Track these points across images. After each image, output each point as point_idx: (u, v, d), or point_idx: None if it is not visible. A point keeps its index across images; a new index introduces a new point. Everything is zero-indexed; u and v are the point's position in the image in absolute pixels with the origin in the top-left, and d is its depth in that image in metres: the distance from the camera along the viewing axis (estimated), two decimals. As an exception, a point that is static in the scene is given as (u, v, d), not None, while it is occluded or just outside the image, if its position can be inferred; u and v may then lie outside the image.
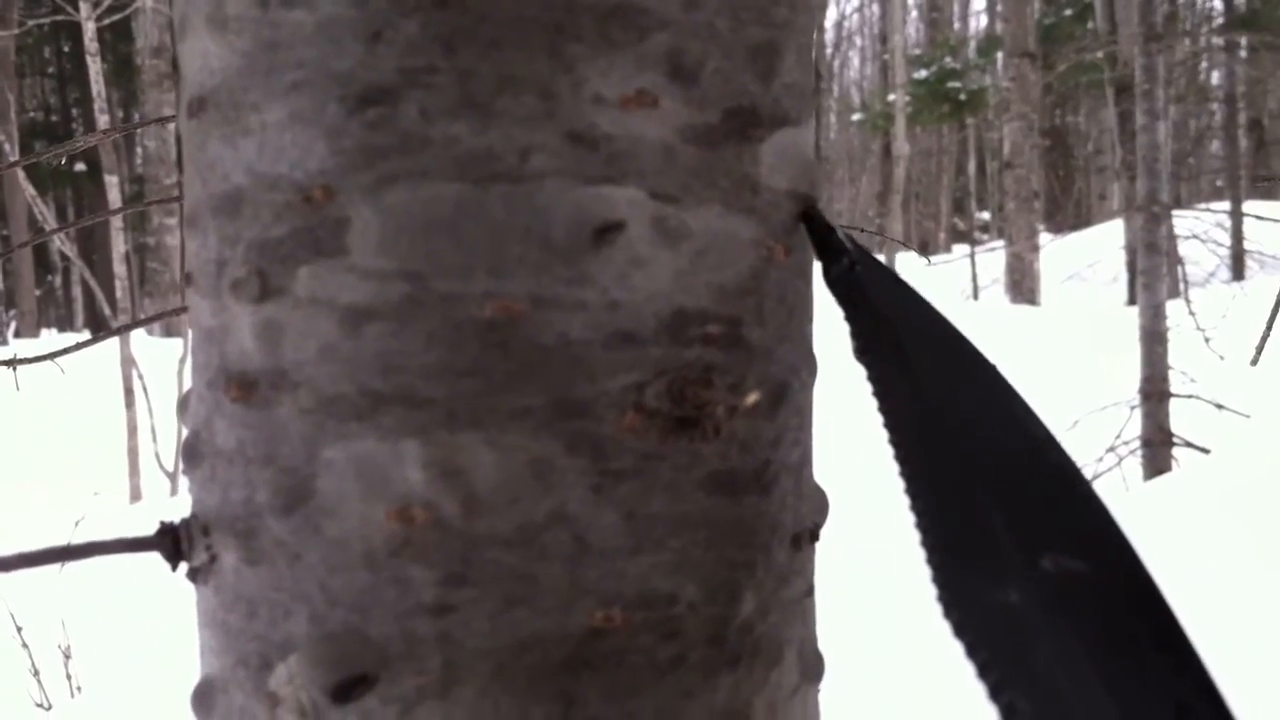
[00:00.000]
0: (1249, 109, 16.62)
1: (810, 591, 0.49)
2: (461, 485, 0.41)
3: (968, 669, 0.35)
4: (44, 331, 19.02)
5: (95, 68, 6.87)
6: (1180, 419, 4.25)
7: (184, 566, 0.48)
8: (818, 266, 0.48)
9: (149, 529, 0.48)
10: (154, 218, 12.97)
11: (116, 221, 7.53)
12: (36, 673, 3.19)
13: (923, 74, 15.32)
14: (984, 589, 0.36)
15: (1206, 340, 4.86)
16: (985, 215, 23.10)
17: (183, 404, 0.49)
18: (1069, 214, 23.44)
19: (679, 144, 0.42)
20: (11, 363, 1.26)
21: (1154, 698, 0.32)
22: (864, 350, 0.45)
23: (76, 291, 25.13)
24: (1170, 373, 4.21)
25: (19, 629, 3.24)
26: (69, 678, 3.23)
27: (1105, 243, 14.13)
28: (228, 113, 0.43)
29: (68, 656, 3.24)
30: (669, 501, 0.43)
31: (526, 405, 0.41)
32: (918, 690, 2.12)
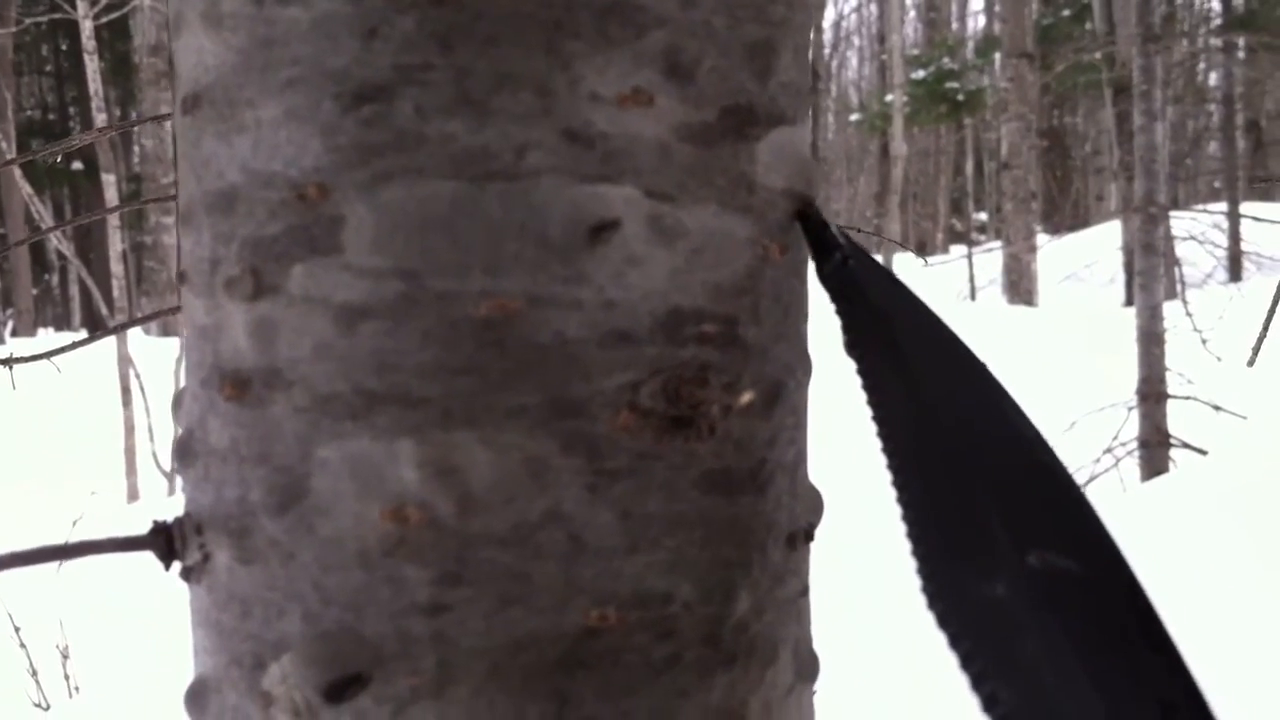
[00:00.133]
0: (1247, 110, 16.64)
1: (805, 591, 0.49)
2: (456, 484, 0.41)
3: (959, 667, 0.35)
4: (41, 330, 19.02)
5: (93, 66, 6.87)
6: (1177, 420, 4.25)
7: (178, 566, 0.48)
8: (813, 267, 0.48)
9: (145, 529, 0.48)
10: (151, 216, 12.96)
11: (114, 220, 7.53)
12: (34, 673, 3.18)
13: (920, 74, 15.33)
14: (970, 582, 0.36)
15: (1204, 341, 4.86)
16: (983, 216, 23.13)
17: (176, 402, 0.48)
18: (1066, 215, 23.45)
19: (675, 142, 0.42)
20: (8, 362, 1.26)
21: (1141, 696, 0.32)
22: (855, 344, 0.45)
23: (74, 290, 25.12)
24: (1167, 374, 4.21)
25: (17, 629, 3.24)
26: (67, 678, 3.23)
27: (1103, 244, 14.14)
28: (223, 110, 0.43)
29: (66, 656, 3.24)
30: (664, 501, 0.42)
31: (522, 404, 0.41)
32: (912, 690, 2.12)
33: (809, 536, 0.49)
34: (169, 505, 5.82)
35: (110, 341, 7.00)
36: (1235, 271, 12.35)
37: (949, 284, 13.92)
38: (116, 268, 7.20)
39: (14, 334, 16.88)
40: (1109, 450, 4.35)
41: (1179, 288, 5.98)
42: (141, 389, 6.85)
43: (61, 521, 4.44)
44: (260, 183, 0.42)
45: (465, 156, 0.40)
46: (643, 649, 0.42)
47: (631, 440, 0.42)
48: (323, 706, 0.42)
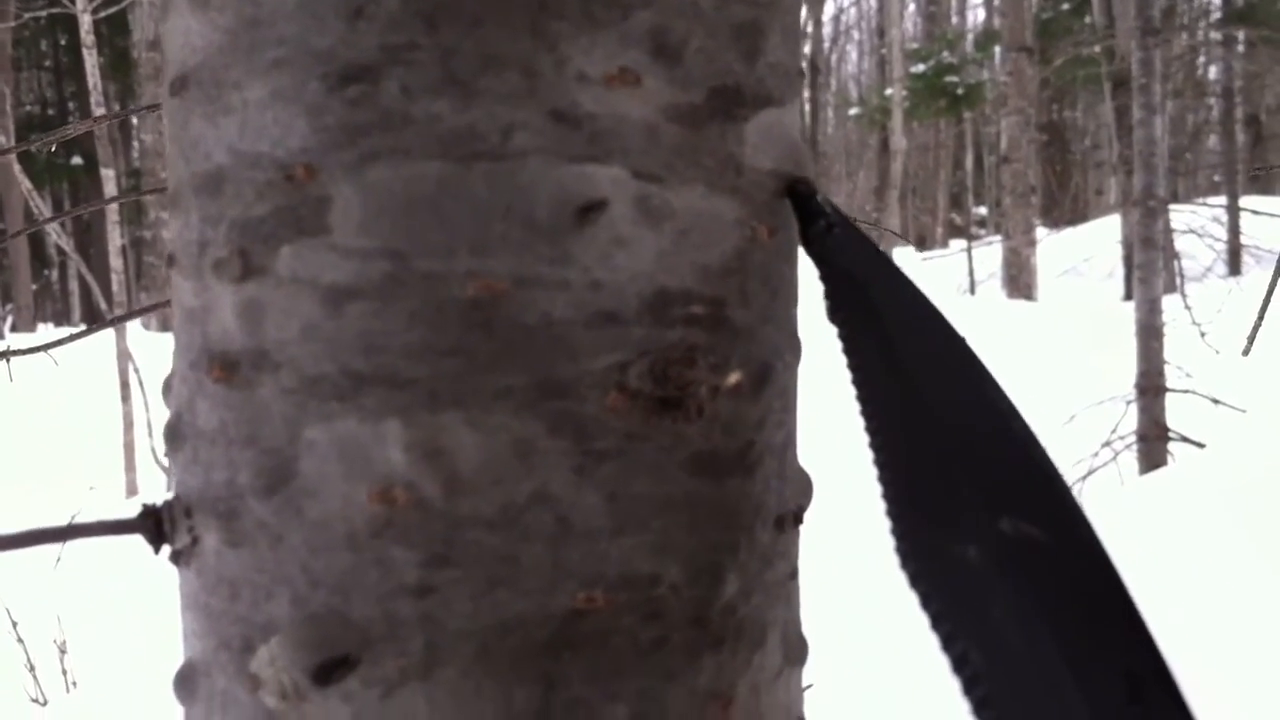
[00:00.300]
0: (1246, 104, 16.62)
1: (794, 574, 0.49)
2: (443, 466, 0.41)
3: (930, 628, 0.36)
4: (40, 326, 19.02)
5: (92, 61, 6.86)
6: (1176, 414, 4.25)
7: (167, 550, 0.48)
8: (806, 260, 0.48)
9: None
10: (150, 211, 12.96)
11: (113, 215, 7.52)
12: (32, 668, 3.19)
13: (920, 68, 15.31)
14: (943, 543, 0.37)
15: (1202, 335, 4.86)
16: (982, 210, 23.11)
17: (166, 386, 0.48)
18: (1066, 209, 23.45)
19: (662, 123, 0.42)
20: (6, 354, 1.26)
21: (1106, 664, 0.33)
22: (837, 309, 0.46)
23: (73, 286, 25.12)
24: (1166, 368, 4.20)
25: (14, 624, 3.24)
26: (64, 673, 3.23)
27: (1102, 238, 14.14)
28: (210, 91, 0.43)
29: (63, 651, 3.24)
30: (652, 482, 0.42)
31: (509, 385, 0.41)
32: (902, 675, 2.12)
33: (798, 519, 0.49)
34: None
35: (109, 337, 7.00)
36: (1234, 265, 12.35)
37: (948, 278, 13.92)
38: (116, 263, 7.20)
39: (13, 329, 16.88)
40: (1108, 444, 4.35)
41: (1178, 281, 5.97)
42: (140, 384, 6.85)
43: (60, 517, 4.43)
44: (247, 164, 0.42)
45: (451, 137, 0.40)
46: (630, 631, 0.42)
47: (619, 421, 0.42)
48: (311, 689, 0.42)
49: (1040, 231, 13.95)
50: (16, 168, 6.08)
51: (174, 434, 0.46)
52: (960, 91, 15.02)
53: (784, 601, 0.48)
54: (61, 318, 25.41)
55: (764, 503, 0.46)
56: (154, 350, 8.08)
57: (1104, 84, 13.21)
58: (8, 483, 7.11)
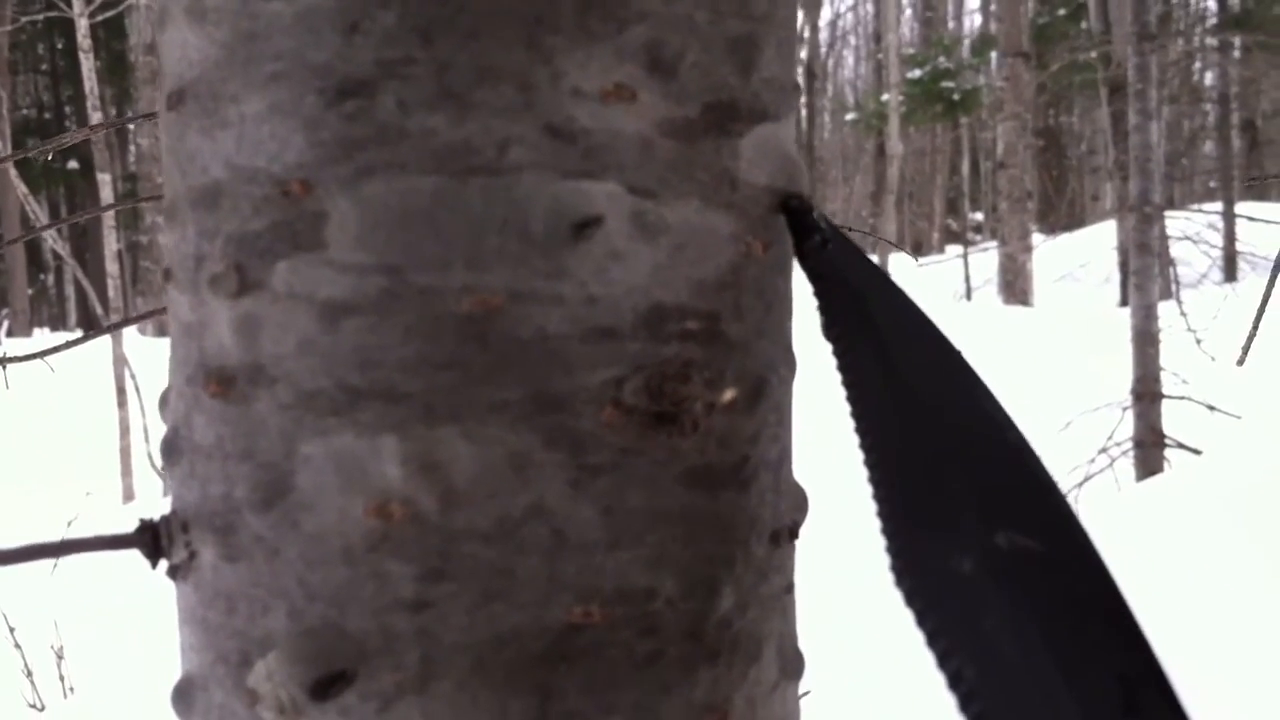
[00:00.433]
0: (1242, 110, 16.66)
1: (790, 588, 0.49)
2: (439, 479, 0.41)
3: (925, 645, 0.36)
4: (37, 331, 18.98)
5: (89, 64, 6.86)
6: (1172, 420, 4.26)
7: (164, 565, 0.48)
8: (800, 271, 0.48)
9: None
10: (146, 216, 12.96)
11: (109, 220, 7.52)
12: (29, 673, 3.18)
13: (916, 73, 15.33)
14: (937, 557, 0.37)
15: (1198, 341, 4.86)
16: (978, 215, 23.14)
17: (163, 400, 0.48)
18: (1062, 214, 23.46)
19: (657, 138, 0.42)
20: (2, 361, 1.26)
21: (1100, 670, 0.33)
22: (832, 324, 0.46)
23: (69, 291, 25.09)
24: (1162, 374, 4.21)
25: (12, 630, 3.24)
26: (62, 678, 3.23)
27: (1098, 243, 14.16)
28: (206, 104, 0.43)
29: (60, 657, 3.23)
30: (647, 496, 0.42)
31: (504, 399, 0.41)
32: (897, 688, 2.12)
33: (793, 534, 0.49)
34: (164, 506, 5.80)
35: (105, 342, 6.99)
36: (1230, 271, 12.37)
37: (944, 284, 13.92)
38: (112, 267, 7.20)
39: (9, 334, 16.85)
40: (1104, 450, 4.35)
41: (1174, 287, 5.98)
42: (137, 389, 6.84)
43: (57, 522, 4.44)
44: (244, 178, 0.42)
45: (447, 151, 0.40)
46: (626, 645, 0.42)
47: (614, 436, 0.42)
48: (308, 704, 0.42)
49: (1036, 237, 13.97)
50: (12, 172, 6.07)
51: (171, 448, 0.47)
52: (956, 97, 15.03)
53: (779, 615, 0.48)
54: (58, 322, 25.39)
55: (759, 517, 0.46)
56: (150, 355, 8.06)
57: (1100, 89, 13.24)
58: (4, 487, 7.10)
